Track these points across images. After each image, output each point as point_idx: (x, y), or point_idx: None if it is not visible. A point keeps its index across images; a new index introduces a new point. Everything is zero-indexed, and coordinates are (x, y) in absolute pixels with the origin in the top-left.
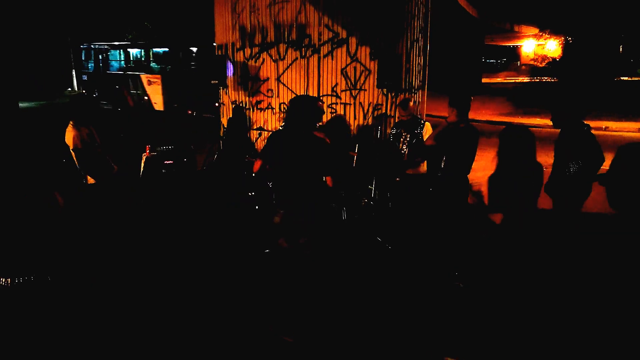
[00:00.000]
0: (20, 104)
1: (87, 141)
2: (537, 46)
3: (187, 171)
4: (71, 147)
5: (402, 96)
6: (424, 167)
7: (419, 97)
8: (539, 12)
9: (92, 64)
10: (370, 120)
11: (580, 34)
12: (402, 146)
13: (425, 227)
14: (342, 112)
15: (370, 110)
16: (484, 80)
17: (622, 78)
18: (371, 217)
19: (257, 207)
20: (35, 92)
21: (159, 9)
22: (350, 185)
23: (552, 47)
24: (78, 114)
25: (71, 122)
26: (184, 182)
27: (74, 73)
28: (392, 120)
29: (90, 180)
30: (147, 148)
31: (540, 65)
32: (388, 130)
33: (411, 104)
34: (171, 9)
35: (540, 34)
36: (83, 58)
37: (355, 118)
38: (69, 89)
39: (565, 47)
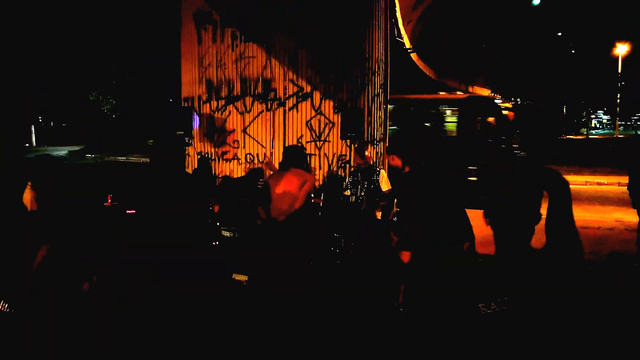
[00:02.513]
0: None
1: (44, 202)
2: None
3: (150, 220)
4: (28, 208)
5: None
6: (378, 214)
7: (380, 148)
8: (490, 78)
9: None
10: (334, 169)
11: (527, 97)
12: (360, 193)
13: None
14: (308, 162)
15: (335, 160)
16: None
17: (567, 136)
18: (336, 265)
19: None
20: None
21: (125, 67)
22: (316, 233)
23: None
24: (38, 174)
25: (30, 183)
26: (145, 230)
27: (32, 128)
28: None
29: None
30: (109, 197)
31: (493, 124)
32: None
33: (367, 153)
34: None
35: (493, 95)
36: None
37: (320, 168)
38: (27, 145)
39: (515, 108)
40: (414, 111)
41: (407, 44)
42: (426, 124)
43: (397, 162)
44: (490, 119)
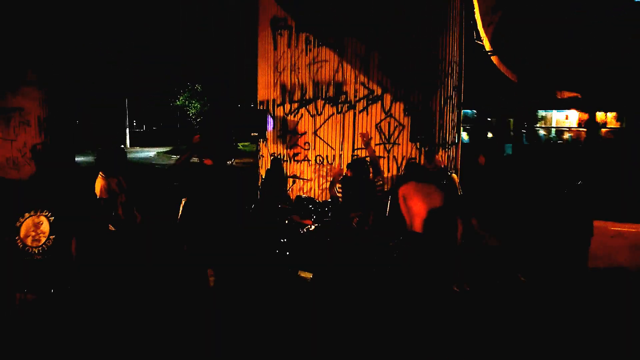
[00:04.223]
0: (77, 158)
1: (115, 191)
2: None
3: (224, 217)
4: (98, 197)
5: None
6: None
7: (452, 152)
8: (582, 81)
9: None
10: (403, 172)
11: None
12: None
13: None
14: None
15: (404, 163)
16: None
17: None
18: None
19: (287, 253)
20: (91, 146)
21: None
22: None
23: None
24: (106, 165)
25: (101, 173)
26: (220, 227)
27: (127, 131)
28: None
29: (111, 228)
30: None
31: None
32: None
33: (437, 157)
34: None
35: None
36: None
37: (389, 171)
38: (122, 145)
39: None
40: None
41: (488, 47)
42: None
43: (482, 160)
44: None
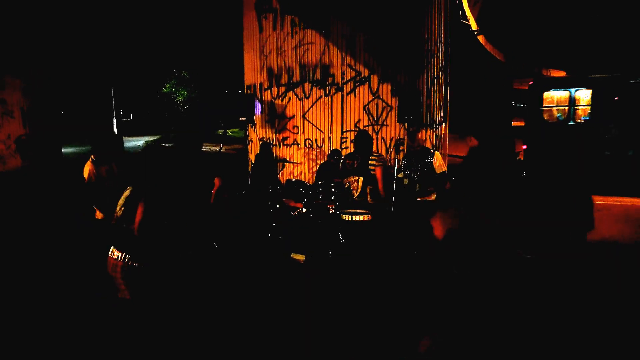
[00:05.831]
0: (64, 150)
1: (103, 176)
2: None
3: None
4: (85, 180)
5: (423, 130)
6: (433, 195)
7: (440, 131)
8: (568, 58)
9: None
10: (392, 153)
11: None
12: (414, 175)
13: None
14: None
15: (392, 144)
16: (514, 124)
17: None
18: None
19: (279, 237)
20: (77, 137)
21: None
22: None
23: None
24: (99, 150)
25: (92, 157)
26: (212, 210)
27: (114, 121)
28: None
29: (99, 215)
30: None
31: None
32: None
33: (419, 135)
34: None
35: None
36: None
37: (378, 152)
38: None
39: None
40: None
41: (474, 26)
42: None
43: (474, 142)
44: None
